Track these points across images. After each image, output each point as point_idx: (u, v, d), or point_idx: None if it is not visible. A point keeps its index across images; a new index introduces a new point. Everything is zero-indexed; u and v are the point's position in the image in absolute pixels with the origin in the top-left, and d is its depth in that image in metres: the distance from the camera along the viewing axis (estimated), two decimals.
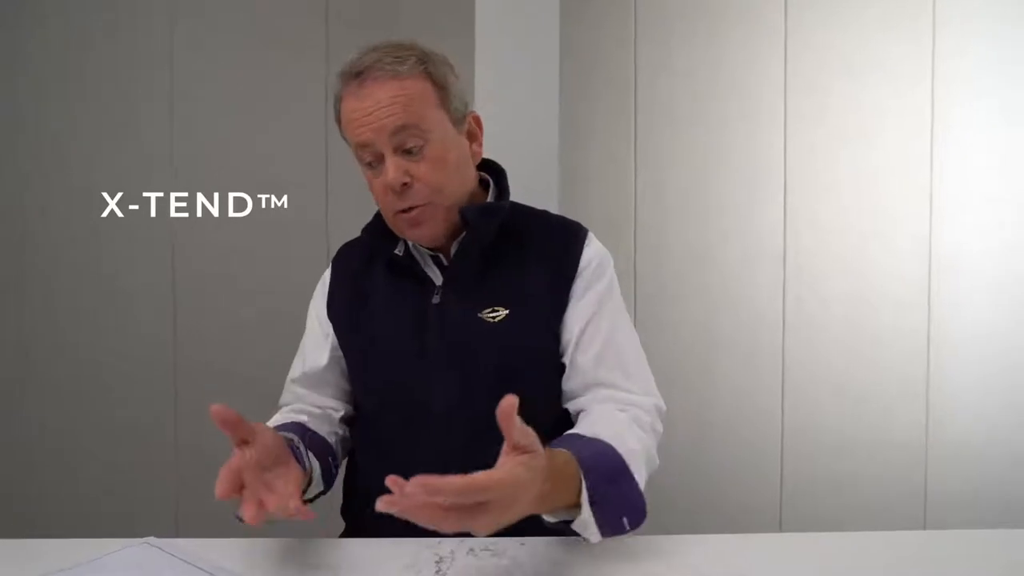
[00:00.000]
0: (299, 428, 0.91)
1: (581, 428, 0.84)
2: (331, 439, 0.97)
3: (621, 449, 0.78)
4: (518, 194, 1.04)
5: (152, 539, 0.81)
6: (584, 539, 0.73)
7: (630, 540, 0.79)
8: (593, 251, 0.96)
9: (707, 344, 2.05)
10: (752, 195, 2.04)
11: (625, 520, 0.74)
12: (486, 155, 1.02)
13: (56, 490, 2.06)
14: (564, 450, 0.73)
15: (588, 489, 0.70)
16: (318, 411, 1.01)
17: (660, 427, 0.91)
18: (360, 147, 0.89)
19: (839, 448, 2.03)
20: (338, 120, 0.93)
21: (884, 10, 2.00)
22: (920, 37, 2.00)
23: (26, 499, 2.06)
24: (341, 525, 1.05)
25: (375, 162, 0.89)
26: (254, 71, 2.04)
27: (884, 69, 2.00)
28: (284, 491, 0.70)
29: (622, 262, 2.01)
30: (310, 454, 0.84)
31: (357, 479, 1.03)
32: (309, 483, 0.83)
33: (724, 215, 2.04)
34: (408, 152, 0.87)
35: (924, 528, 2.01)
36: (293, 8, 2.03)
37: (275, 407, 1.05)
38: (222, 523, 0.80)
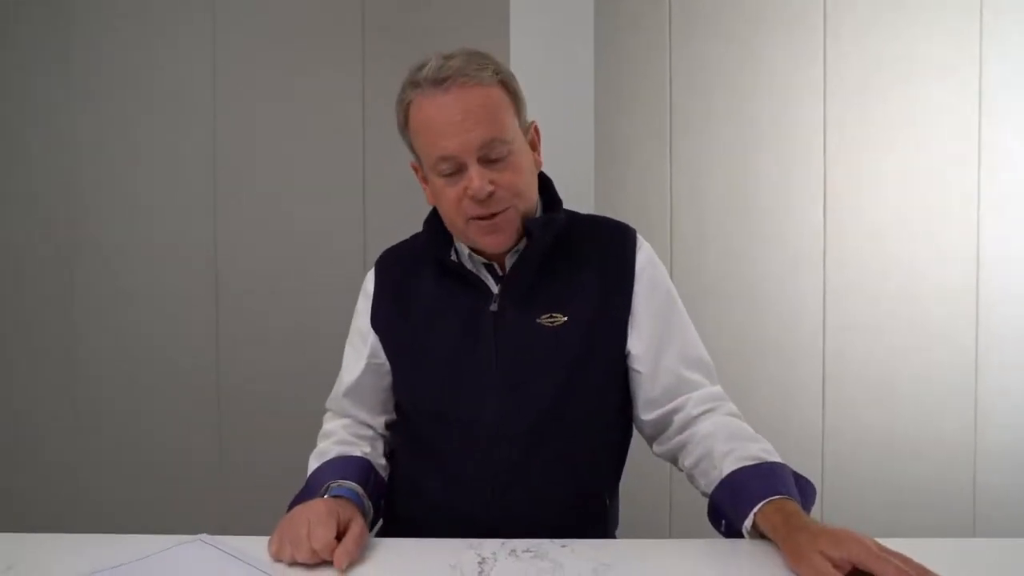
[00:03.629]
0: (363, 472, 0.93)
1: (728, 452, 0.86)
2: (384, 473, 0.99)
3: (772, 457, 0.85)
4: None
5: (205, 536, 0.84)
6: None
7: (670, 542, 0.79)
8: (644, 253, 0.97)
9: (746, 345, 2.03)
10: (792, 196, 2.01)
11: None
12: None
13: (109, 490, 2.14)
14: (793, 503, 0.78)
15: (803, 507, 0.78)
16: (370, 433, 1.02)
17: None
18: (442, 160, 0.87)
19: (881, 450, 2.00)
20: (406, 128, 0.91)
21: (929, 10, 1.96)
22: (966, 37, 1.95)
23: (81, 498, 2.14)
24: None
25: (455, 172, 0.87)
26: (292, 79, 2.09)
27: (929, 70, 1.96)
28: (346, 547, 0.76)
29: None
30: (369, 502, 0.90)
31: (396, 477, 1.02)
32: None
33: (763, 217, 2.02)
34: (491, 161, 0.87)
35: (973, 533, 1.96)
36: (329, 16, 2.07)
37: (312, 409, 1.07)
38: (266, 523, 0.83)
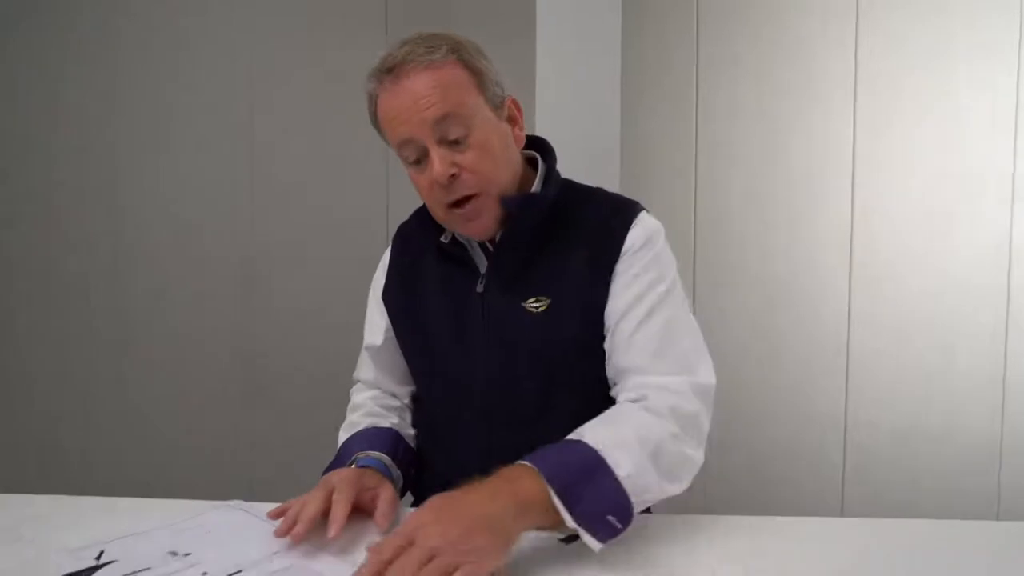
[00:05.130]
0: (391, 442, 0.94)
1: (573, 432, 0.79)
2: (412, 443, 1.01)
3: (599, 444, 0.72)
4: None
5: (239, 502, 0.86)
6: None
7: (689, 519, 0.80)
8: (641, 229, 0.90)
9: (769, 335, 2.03)
10: (818, 185, 2.00)
11: (612, 519, 0.69)
12: (547, 135, 1.00)
13: (147, 456, 2.25)
14: (524, 463, 0.71)
15: (556, 494, 0.67)
16: (398, 404, 1.04)
17: (691, 405, 0.81)
18: (402, 145, 0.86)
19: (906, 440, 1.98)
20: (375, 123, 0.90)
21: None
22: (1006, 27, 1.91)
23: (124, 463, 2.24)
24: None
25: (420, 158, 0.86)
26: (318, 65, 2.13)
27: (964, 56, 1.93)
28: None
29: (683, 255, 2.00)
30: (398, 471, 0.92)
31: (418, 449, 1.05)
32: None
33: (789, 206, 2.01)
34: (453, 143, 0.84)
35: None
36: (352, 18, 2.11)
37: (339, 373, 1.09)
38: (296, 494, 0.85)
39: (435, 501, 0.66)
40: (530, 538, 0.71)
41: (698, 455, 0.81)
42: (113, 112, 2.21)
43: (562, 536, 0.71)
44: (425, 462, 1.01)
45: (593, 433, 0.75)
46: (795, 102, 1.99)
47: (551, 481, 0.68)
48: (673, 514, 0.82)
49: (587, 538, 0.68)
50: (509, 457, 0.75)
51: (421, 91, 0.82)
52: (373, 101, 0.88)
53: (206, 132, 2.19)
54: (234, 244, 2.20)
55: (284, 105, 2.16)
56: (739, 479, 2.01)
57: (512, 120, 0.92)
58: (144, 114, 2.20)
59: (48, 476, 2.25)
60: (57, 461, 2.26)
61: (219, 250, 2.20)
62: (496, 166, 0.87)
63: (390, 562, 0.60)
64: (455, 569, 0.59)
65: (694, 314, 0.93)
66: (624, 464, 0.71)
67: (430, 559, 0.59)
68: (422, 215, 0.99)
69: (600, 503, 0.69)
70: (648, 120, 2.01)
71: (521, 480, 0.69)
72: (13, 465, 2.26)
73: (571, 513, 0.68)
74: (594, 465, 0.71)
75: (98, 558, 0.71)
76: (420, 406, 1.05)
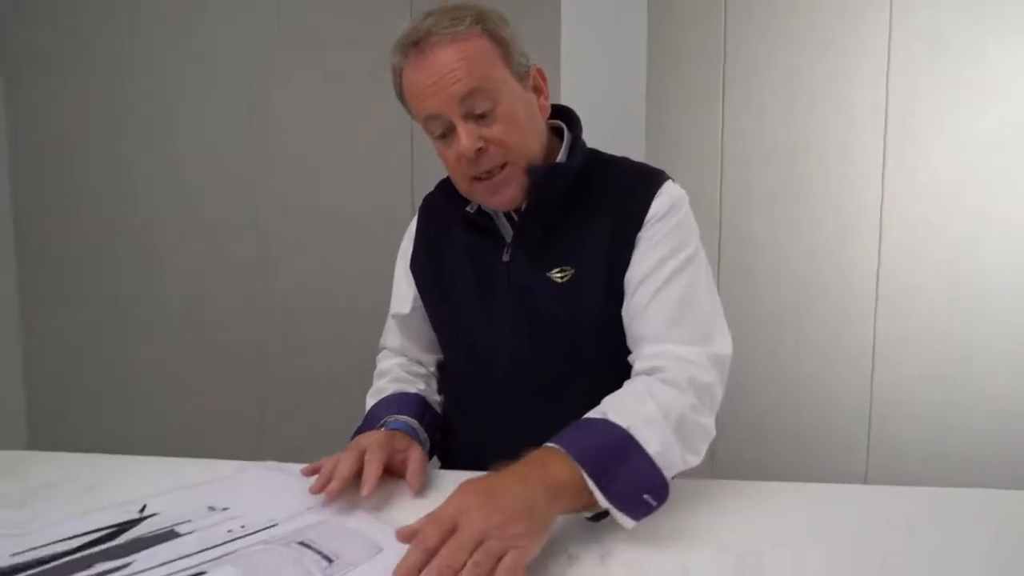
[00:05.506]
0: (419, 407, 0.96)
1: (594, 408, 0.78)
2: (439, 408, 1.02)
3: (627, 422, 0.72)
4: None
5: (272, 462, 0.90)
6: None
7: (714, 483, 0.81)
8: (665, 198, 0.88)
9: (795, 308, 2.01)
10: (849, 154, 1.96)
11: (647, 497, 0.68)
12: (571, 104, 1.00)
13: (177, 416, 2.34)
14: (552, 446, 0.70)
15: (589, 476, 0.67)
16: (424, 371, 1.05)
17: (708, 376, 0.80)
18: (428, 120, 0.85)
19: (931, 418, 1.97)
20: (400, 96, 0.89)
21: None
22: None
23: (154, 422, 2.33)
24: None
25: (446, 132, 0.85)
26: (340, 31, 2.15)
27: (1002, 23, 1.86)
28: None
29: (708, 222, 1.98)
30: (425, 435, 0.94)
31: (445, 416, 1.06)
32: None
33: (818, 174, 1.97)
34: (479, 117, 0.84)
35: None
36: (378, 11, 2.10)
37: (366, 341, 1.10)
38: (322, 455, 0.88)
39: (471, 486, 0.65)
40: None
41: (712, 426, 0.81)
42: (132, 79, 2.25)
43: (590, 515, 0.70)
44: (451, 429, 1.03)
45: (617, 410, 0.74)
46: (827, 61, 1.94)
47: (583, 463, 0.68)
48: (698, 479, 0.82)
49: (621, 517, 0.67)
50: (534, 426, 0.76)
51: (447, 65, 0.81)
52: (398, 75, 0.87)
53: (226, 99, 2.21)
54: (254, 214, 2.23)
55: (310, 76, 2.17)
56: (763, 449, 2.01)
57: (537, 89, 0.91)
58: (160, 84, 2.24)
59: (95, 436, 2.36)
60: (103, 423, 2.37)
61: (241, 219, 2.25)
62: (523, 137, 0.86)
63: (436, 549, 0.58)
64: (504, 554, 0.58)
65: (718, 281, 0.92)
66: (653, 441, 0.71)
67: (478, 544, 0.58)
68: (446, 186, 0.99)
69: (634, 482, 0.69)
70: (675, 86, 1.98)
71: (552, 464, 0.68)
72: (65, 426, 2.39)
73: (605, 494, 0.67)
74: (624, 444, 0.71)
75: (141, 511, 0.74)
76: (446, 374, 1.06)
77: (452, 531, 0.59)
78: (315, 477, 0.77)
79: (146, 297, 2.32)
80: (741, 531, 0.70)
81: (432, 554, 0.58)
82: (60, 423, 2.39)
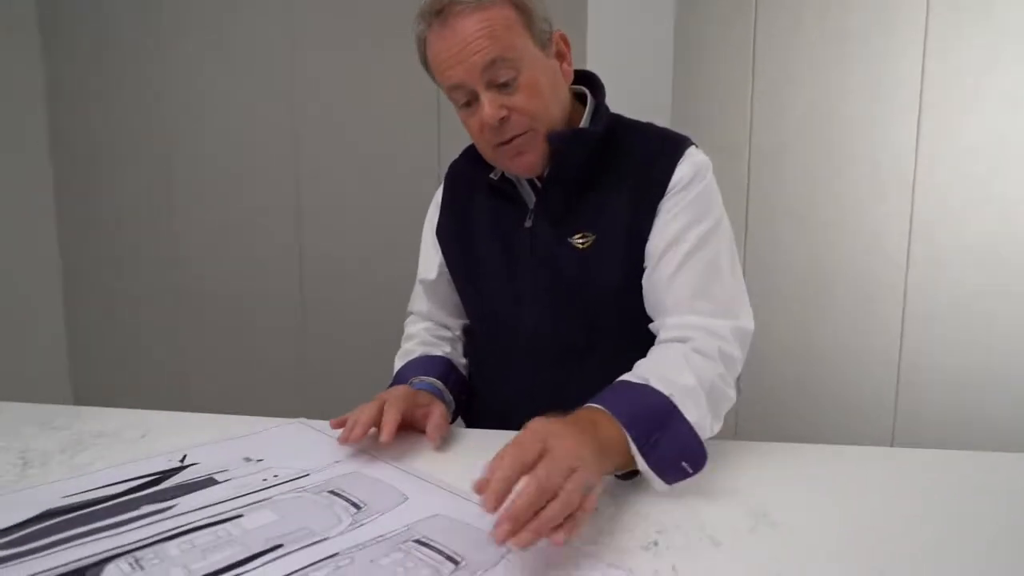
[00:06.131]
0: (444, 369, 0.99)
1: (630, 373, 0.79)
2: (464, 371, 1.05)
3: (669, 390, 0.74)
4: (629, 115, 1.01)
5: (304, 420, 0.94)
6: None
7: (736, 444, 0.83)
8: (689, 165, 0.88)
9: (823, 272, 1.99)
10: (882, 115, 1.91)
11: (685, 464, 0.70)
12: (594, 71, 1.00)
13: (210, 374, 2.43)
14: (598, 407, 0.71)
15: (634, 441, 0.68)
16: (450, 335, 1.08)
17: (736, 351, 0.83)
18: (452, 89, 0.86)
19: (961, 388, 1.94)
20: (425, 64, 0.89)
21: None
22: None
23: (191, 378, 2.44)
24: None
25: (470, 101, 0.86)
26: (369, 11, 2.16)
27: None
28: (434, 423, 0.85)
29: (736, 189, 1.96)
30: (450, 396, 0.97)
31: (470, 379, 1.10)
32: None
33: (849, 136, 1.93)
34: (502, 86, 0.84)
35: None
36: None
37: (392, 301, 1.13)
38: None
39: (543, 420, 0.64)
40: None
41: (735, 395, 0.83)
42: (159, 47, 2.31)
43: (620, 473, 0.71)
44: (476, 392, 1.06)
45: (659, 378, 0.75)
46: (861, 20, 1.89)
47: (628, 428, 0.69)
48: (720, 440, 0.84)
49: (656, 482, 0.69)
50: (556, 391, 0.78)
51: (470, 35, 0.82)
52: (422, 43, 0.88)
53: (259, 69, 2.25)
54: (287, 185, 2.28)
55: (334, 43, 2.19)
56: (787, 416, 2.01)
57: (560, 55, 0.91)
58: (193, 56, 2.29)
59: (139, 393, 2.49)
60: (150, 382, 2.49)
61: (275, 185, 2.30)
62: (545, 105, 0.87)
63: (532, 465, 0.57)
64: (590, 489, 0.58)
65: (745, 249, 0.92)
66: (692, 410, 0.73)
67: (572, 471, 0.57)
68: (471, 153, 1.01)
69: (676, 449, 0.70)
70: (703, 38, 1.94)
71: (601, 425, 0.69)
72: (112, 383, 2.52)
73: (647, 459, 0.68)
74: (667, 411, 0.72)
75: (182, 460, 0.79)
76: (471, 338, 1.09)
77: (546, 455, 0.58)
78: (342, 430, 0.81)
79: (185, 256, 2.40)
80: (759, 489, 0.72)
81: (528, 468, 0.57)
82: (102, 387, 2.51)
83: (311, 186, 2.29)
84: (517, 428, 0.70)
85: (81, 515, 0.65)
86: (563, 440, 0.60)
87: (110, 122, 2.38)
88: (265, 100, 2.27)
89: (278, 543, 0.59)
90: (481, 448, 0.69)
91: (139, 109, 2.35)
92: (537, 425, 0.63)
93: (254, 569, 0.55)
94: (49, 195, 2.44)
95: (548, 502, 0.55)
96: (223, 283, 2.38)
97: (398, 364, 1.04)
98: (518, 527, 0.53)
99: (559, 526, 0.55)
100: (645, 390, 0.74)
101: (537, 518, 0.54)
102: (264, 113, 2.27)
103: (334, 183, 2.27)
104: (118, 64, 2.34)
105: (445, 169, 1.09)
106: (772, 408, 2.00)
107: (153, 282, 2.43)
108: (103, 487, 0.72)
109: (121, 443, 0.86)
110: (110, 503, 0.68)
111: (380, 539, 0.60)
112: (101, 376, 2.52)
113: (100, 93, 2.37)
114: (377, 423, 0.80)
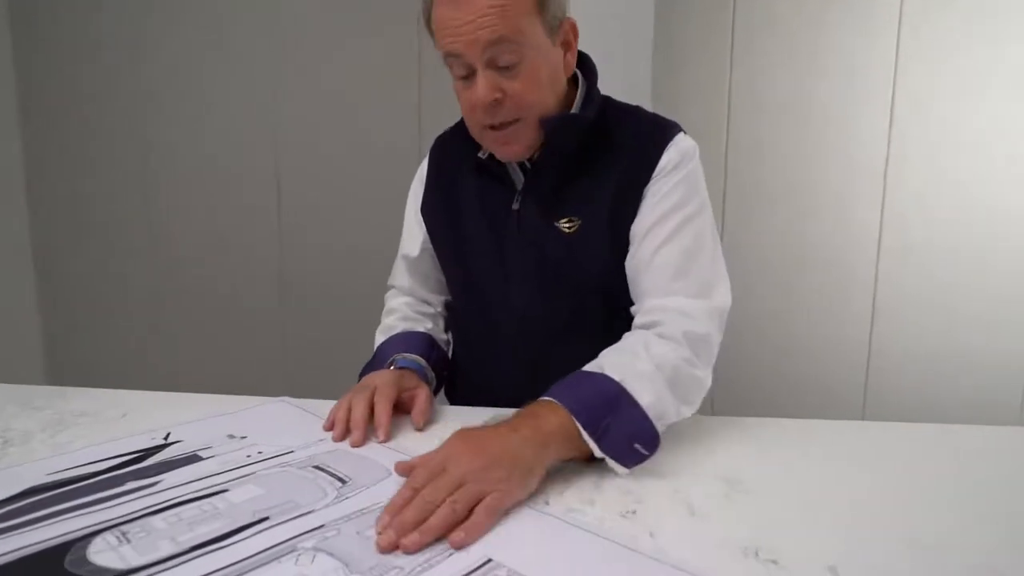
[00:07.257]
0: (426, 346, 1.00)
1: (591, 363, 0.79)
2: (446, 348, 1.06)
3: (621, 376, 0.74)
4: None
5: (287, 398, 0.94)
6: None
7: (711, 419, 0.85)
8: (674, 152, 0.88)
9: (797, 257, 2.02)
10: (856, 103, 1.94)
11: (639, 446, 0.71)
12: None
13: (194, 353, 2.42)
14: (547, 399, 0.73)
15: (584, 427, 0.69)
16: (431, 310, 1.08)
17: (703, 328, 0.82)
18: (450, 56, 0.83)
19: (929, 374, 1.99)
20: (428, 22, 0.86)
21: None
22: None
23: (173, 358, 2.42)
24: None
25: (467, 75, 0.84)
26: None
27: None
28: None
29: (714, 172, 1.98)
30: (432, 373, 0.97)
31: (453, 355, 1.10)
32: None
33: (824, 124, 1.96)
34: (502, 68, 0.82)
35: None
36: None
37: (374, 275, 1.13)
38: (332, 390, 0.93)
39: (463, 433, 0.68)
40: None
41: (708, 377, 0.82)
42: (145, 36, 2.26)
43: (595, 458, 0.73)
44: (459, 368, 1.07)
45: (612, 364, 0.76)
46: (837, 7, 1.91)
47: (576, 415, 0.70)
48: (702, 416, 0.86)
49: (614, 465, 0.70)
50: (540, 369, 0.79)
51: (481, 9, 0.79)
52: (430, 3, 0.84)
53: (237, 41, 2.23)
54: (267, 163, 2.26)
55: (316, 25, 2.17)
56: (761, 395, 2.06)
57: (566, 44, 0.89)
58: (175, 38, 2.24)
59: (123, 374, 2.44)
60: (133, 362, 2.46)
61: (254, 163, 2.28)
62: (541, 96, 0.86)
63: (422, 489, 0.61)
64: (484, 496, 0.61)
65: (722, 232, 0.92)
66: (645, 393, 0.73)
67: (459, 486, 0.61)
68: (461, 128, 0.98)
69: (626, 432, 0.71)
70: (682, 25, 1.95)
71: (545, 415, 0.70)
72: (97, 366, 2.49)
73: (599, 444, 0.69)
74: (616, 396, 0.73)
75: (166, 438, 0.79)
76: (453, 314, 1.09)
77: (440, 474, 0.63)
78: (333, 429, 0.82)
79: (164, 236, 2.36)
80: (734, 460, 0.74)
81: (418, 492, 0.61)
82: (80, 371, 2.48)
83: (290, 164, 2.26)
84: (500, 405, 0.72)
85: (65, 491, 0.65)
86: (464, 455, 0.64)
87: (83, 94, 2.32)
88: (244, 79, 2.23)
89: (264, 516, 0.60)
90: (463, 425, 0.71)
91: (113, 84, 2.30)
92: (447, 445, 0.67)
93: (241, 541, 0.56)
94: (20, 176, 2.38)
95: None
96: (202, 263, 2.35)
97: (379, 339, 1.04)
98: (402, 535, 0.56)
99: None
100: (597, 378, 0.75)
101: (419, 528, 0.57)
102: (244, 93, 2.24)
103: (313, 161, 2.25)
104: (88, 51, 2.29)
105: (425, 146, 1.07)
106: (747, 389, 2.04)
107: (132, 263, 2.39)
108: (86, 464, 0.72)
109: (102, 422, 0.86)
110: (94, 480, 0.68)
111: (366, 511, 0.62)
112: (79, 360, 2.48)
113: (73, 78, 2.31)
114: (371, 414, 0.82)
